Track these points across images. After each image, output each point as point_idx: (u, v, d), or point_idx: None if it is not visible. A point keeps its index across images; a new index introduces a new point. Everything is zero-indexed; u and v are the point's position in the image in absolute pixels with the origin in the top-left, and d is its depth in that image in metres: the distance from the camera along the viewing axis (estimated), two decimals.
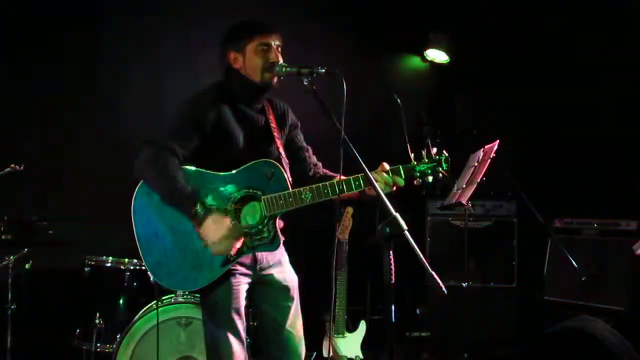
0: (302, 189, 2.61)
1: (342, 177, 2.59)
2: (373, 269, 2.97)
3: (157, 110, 4.87)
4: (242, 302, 2.72)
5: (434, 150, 2.66)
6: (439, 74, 6.00)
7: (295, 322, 2.84)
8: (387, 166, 2.66)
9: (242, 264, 2.70)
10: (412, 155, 2.65)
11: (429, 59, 5.86)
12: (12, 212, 3.87)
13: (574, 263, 4.12)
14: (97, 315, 3.74)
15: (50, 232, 3.85)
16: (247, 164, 2.63)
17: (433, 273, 2.04)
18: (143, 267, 3.93)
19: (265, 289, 2.80)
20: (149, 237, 2.64)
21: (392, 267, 2.09)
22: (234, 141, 2.69)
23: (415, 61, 6.01)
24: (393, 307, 2.08)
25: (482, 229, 4.90)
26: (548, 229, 4.50)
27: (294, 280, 2.87)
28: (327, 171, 2.95)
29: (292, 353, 2.83)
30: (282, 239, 2.74)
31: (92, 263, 3.85)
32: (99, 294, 3.83)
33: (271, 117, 2.82)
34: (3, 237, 3.73)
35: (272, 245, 2.65)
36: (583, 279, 4.15)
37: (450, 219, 4.94)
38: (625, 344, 3.31)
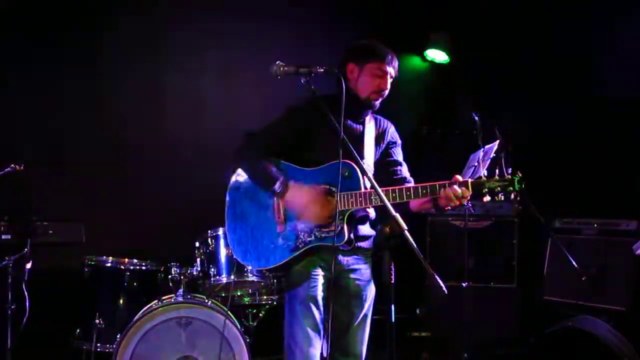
0: (372, 191, 2.71)
1: (412, 185, 2.76)
2: (373, 269, 2.98)
3: (156, 111, 4.88)
4: (320, 293, 2.81)
5: (509, 170, 2.72)
6: (439, 74, 5.99)
7: (359, 331, 2.93)
8: (460, 178, 2.71)
9: (322, 259, 2.82)
10: (484, 172, 2.72)
11: (429, 59, 5.86)
12: (12, 212, 3.87)
13: (574, 263, 4.12)
14: (97, 315, 3.75)
15: (50, 232, 3.85)
16: (329, 163, 2.79)
17: (433, 273, 2.04)
18: (143, 267, 3.93)
19: (340, 291, 2.88)
20: (236, 215, 2.92)
21: (392, 267, 2.09)
22: (325, 146, 2.80)
23: (415, 61, 6.00)
24: (393, 307, 2.08)
25: (482, 229, 4.90)
26: (548, 229, 4.50)
27: (371, 294, 2.95)
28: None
29: (349, 358, 2.92)
30: (365, 244, 2.91)
31: (92, 263, 3.86)
32: (99, 294, 3.84)
33: (370, 131, 2.98)
34: (3, 237, 3.73)
35: (337, 238, 2.76)
36: (583, 279, 4.15)
37: (450, 219, 4.93)
38: (625, 344, 3.31)
